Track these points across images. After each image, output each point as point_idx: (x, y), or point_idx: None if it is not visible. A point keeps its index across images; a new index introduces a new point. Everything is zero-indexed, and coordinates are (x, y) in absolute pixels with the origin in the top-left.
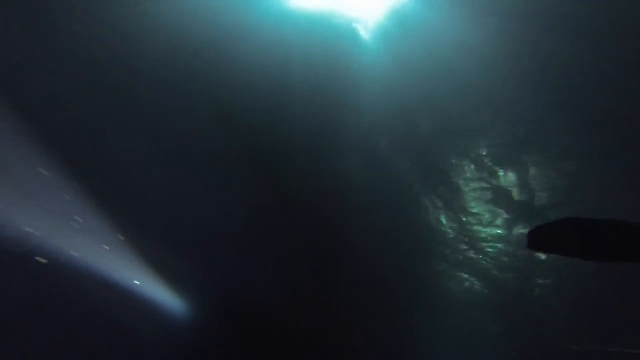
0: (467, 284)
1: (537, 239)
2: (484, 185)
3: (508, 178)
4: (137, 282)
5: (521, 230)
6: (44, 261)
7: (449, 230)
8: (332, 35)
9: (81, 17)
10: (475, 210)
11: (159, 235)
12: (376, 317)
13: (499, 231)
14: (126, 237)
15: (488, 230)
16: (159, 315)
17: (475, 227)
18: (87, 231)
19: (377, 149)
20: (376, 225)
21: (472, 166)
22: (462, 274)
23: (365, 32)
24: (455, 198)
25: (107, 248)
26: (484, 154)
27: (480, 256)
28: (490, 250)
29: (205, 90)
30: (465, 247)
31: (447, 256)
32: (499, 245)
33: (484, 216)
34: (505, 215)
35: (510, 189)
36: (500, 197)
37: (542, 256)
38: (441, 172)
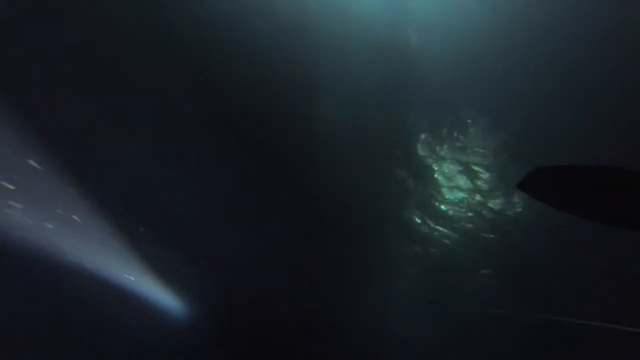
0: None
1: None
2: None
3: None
4: (137, 283)
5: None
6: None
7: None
8: None
9: None
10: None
11: (158, 234)
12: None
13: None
14: (125, 236)
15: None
16: (159, 315)
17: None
18: (86, 231)
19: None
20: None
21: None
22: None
23: None
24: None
25: (107, 248)
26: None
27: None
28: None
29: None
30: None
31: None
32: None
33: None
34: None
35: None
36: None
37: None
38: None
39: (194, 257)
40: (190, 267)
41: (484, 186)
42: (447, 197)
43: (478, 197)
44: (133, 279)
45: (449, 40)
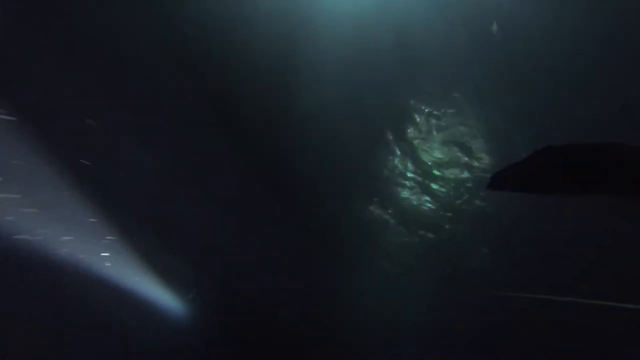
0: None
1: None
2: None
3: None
4: (137, 283)
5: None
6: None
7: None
8: None
9: None
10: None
11: (159, 235)
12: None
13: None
14: (125, 236)
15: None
16: (159, 315)
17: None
18: (86, 231)
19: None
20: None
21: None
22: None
23: None
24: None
25: (107, 248)
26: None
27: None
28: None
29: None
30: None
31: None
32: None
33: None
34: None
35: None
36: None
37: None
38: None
39: (194, 257)
40: (190, 267)
41: (480, 164)
42: (441, 176)
43: (473, 175)
44: (133, 279)
45: (442, 19)
